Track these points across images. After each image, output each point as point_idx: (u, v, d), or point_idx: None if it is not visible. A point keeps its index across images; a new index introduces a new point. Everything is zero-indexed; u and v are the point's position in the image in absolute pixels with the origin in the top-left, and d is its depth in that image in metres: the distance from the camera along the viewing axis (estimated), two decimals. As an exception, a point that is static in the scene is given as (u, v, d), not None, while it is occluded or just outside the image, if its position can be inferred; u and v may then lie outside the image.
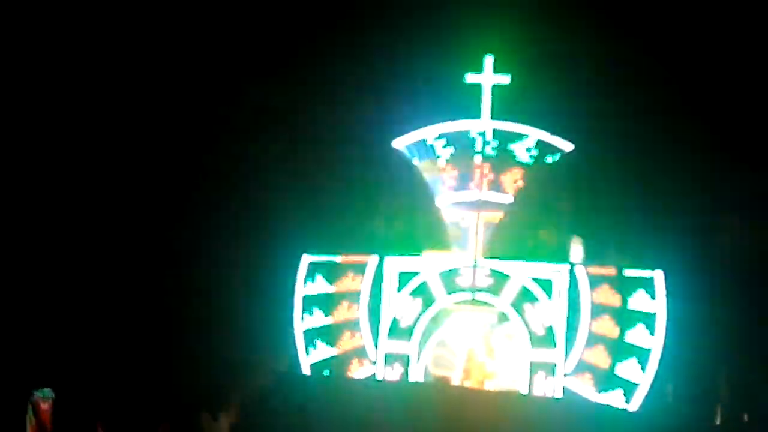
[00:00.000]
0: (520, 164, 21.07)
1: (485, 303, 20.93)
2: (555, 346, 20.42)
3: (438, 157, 21.37)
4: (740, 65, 20.83)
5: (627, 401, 20.03)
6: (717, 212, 20.81)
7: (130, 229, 21.71)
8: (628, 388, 20.12)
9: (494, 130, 21.20)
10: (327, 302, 21.38)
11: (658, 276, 20.36)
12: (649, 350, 20.17)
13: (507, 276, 20.77)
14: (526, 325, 20.57)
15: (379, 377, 20.71)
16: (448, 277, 20.96)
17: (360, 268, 21.27)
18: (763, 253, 20.49)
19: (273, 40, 22.21)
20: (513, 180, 21.07)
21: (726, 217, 20.58)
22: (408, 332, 20.93)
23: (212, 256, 21.59)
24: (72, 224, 21.66)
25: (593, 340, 20.40)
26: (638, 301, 20.39)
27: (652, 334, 20.20)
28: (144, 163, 22.00)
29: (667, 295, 20.24)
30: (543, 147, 21.03)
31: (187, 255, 21.63)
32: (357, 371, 20.93)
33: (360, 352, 21.07)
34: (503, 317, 21.02)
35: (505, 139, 21.16)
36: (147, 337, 21.06)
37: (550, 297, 20.60)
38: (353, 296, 21.23)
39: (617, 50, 20.77)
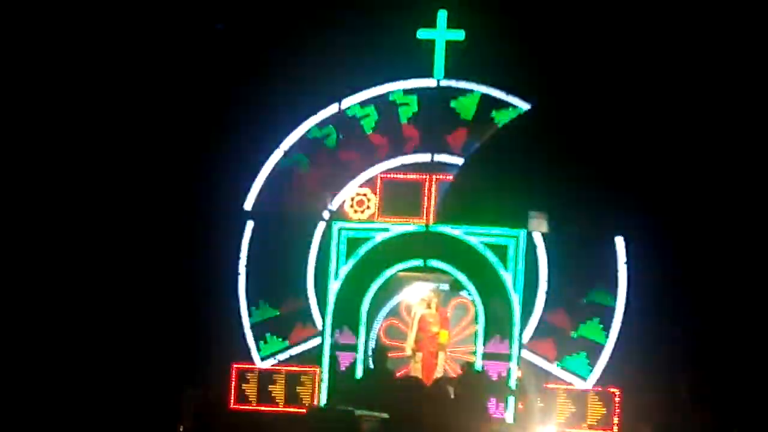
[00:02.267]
0: (475, 125, 20.12)
1: (438, 270, 20.03)
2: (512, 315, 19.53)
3: (388, 117, 20.41)
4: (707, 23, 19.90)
5: (586, 369, 19.35)
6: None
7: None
8: (588, 353, 19.40)
9: (447, 88, 20.26)
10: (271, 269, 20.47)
11: (619, 242, 19.47)
12: (610, 316, 19.42)
13: (461, 241, 19.83)
14: (481, 293, 19.69)
15: (326, 345, 19.92)
16: (399, 243, 20.07)
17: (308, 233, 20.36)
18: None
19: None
20: (466, 141, 20.12)
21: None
22: (357, 302, 20.08)
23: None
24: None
25: (551, 306, 19.63)
26: (598, 266, 19.56)
27: (613, 301, 19.45)
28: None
29: (627, 261, 19.41)
30: (498, 107, 20.11)
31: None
32: (303, 341, 20.12)
33: (305, 317, 20.26)
34: (457, 284, 20.23)
35: (459, 98, 20.24)
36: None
37: (506, 263, 19.68)
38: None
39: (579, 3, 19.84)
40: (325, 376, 19.84)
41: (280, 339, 20.27)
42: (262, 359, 20.21)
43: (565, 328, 19.54)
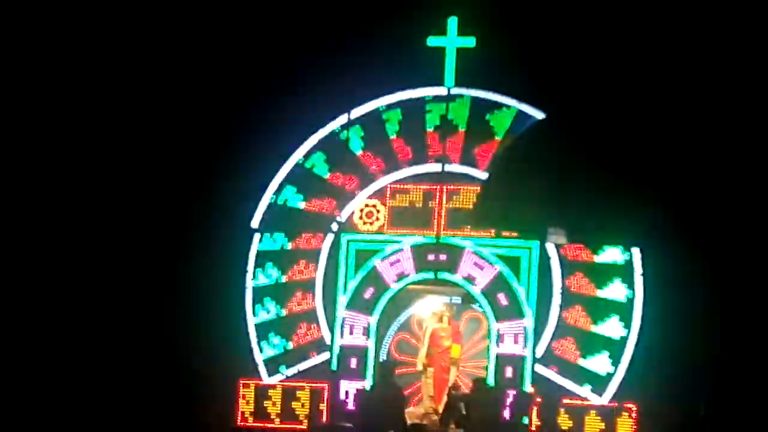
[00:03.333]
0: (487, 134, 19.61)
1: (449, 282, 19.48)
2: (525, 329, 18.97)
3: (399, 126, 19.91)
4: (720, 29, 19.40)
5: (600, 387, 18.72)
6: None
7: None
8: (602, 375, 18.79)
9: (458, 97, 19.75)
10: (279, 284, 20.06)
11: (636, 254, 18.84)
12: (625, 337, 18.79)
13: (474, 253, 19.32)
14: (494, 306, 19.09)
15: (334, 366, 19.39)
16: (410, 254, 19.52)
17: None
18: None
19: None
20: (478, 150, 19.60)
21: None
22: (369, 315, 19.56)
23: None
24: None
25: (565, 322, 19.04)
26: (614, 282, 18.97)
27: (628, 319, 18.82)
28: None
29: (644, 275, 18.81)
30: (511, 115, 19.57)
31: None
32: (313, 360, 19.62)
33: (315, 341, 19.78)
34: (469, 297, 19.65)
35: (470, 107, 19.74)
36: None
37: (519, 275, 19.15)
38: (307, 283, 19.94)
39: (591, 9, 19.42)
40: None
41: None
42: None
43: (581, 335, 18.99)
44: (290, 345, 19.73)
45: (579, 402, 18.52)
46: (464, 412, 17.46)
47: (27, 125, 20.97)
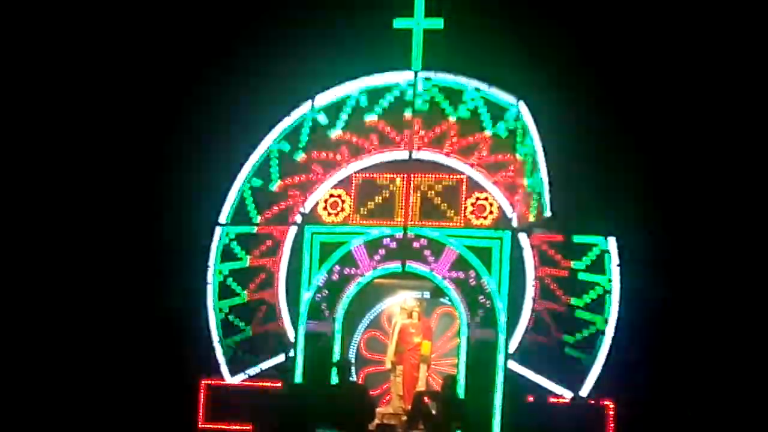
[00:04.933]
0: (456, 119, 18.78)
1: (418, 275, 18.59)
2: (497, 322, 18.10)
3: (364, 113, 19.07)
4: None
5: (577, 382, 17.85)
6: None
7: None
8: (579, 367, 17.93)
9: (425, 81, 18.89)
10: (242, 278, 19.23)
11: (612, 243, 18.00)
12: (602, 327, 17.92)
13: (442, 244, 18.39)
14: (464, 299, 18.23)
15: (299, 360, 18.52)
16: (376, 246, 18.65)
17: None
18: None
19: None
20: (447, 137, 18.75)
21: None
22: (331, 311, 18.72)
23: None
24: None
25: (539, 314, 18.17)
26: (589, 271, 18.14)
27: (605, 307, 17.97)
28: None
29: (620, 264, 17.95)
30: (481, 100, 18.75)
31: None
32: (274, 354, 18.79)
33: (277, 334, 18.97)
34: (438, 291, 18.78)
35: (438, 91, 18.90)
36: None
37: (490, 267, 18.26)
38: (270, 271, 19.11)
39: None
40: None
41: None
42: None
43: (554, 337, 18.11)
44: (251, 340, 19.02)
45: (554, 399, 17.67)
46: (434, 412, 16.63)
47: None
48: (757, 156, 19.01)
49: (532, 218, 18.18)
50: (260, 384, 18.47)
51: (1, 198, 20.72)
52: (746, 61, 18.86)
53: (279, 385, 17.71)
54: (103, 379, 19.87)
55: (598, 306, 18.04)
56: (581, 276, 18.14)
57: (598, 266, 18.11)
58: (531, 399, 17.62)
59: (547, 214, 17.83)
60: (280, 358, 18.68)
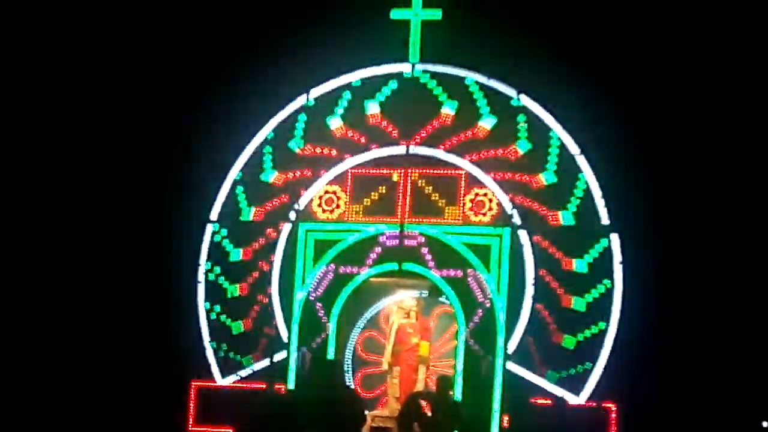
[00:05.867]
0: (455, 113, 18.55)
1: (415, 273, 18.33)
2: (497, 321, 17.81)
3: (360, 106, 18.91)
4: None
5: (577, 386, 17.55)
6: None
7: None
8: (579, 369, 17.63)
9: (424, 73, 18.71)
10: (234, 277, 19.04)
11: (615, 240, 17.68)
12: (604, 327, 17.57)
13: (439, 241, 18.11)
14: (462, 298, 17.91)
15: (292, 362, 18.28)
16: (372, 243, 18.41)
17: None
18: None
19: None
20: (446, 131, 18.51)
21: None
22: (327, 311, 18.50)
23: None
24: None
25: (539, 315, 17.85)
26: (591, 269, 17.80)
27: (607, 307, 17.61)
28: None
29: (623, 263, 17.63)
30: (481, 93, 18.53)
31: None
32: (271, 356, 18.54)
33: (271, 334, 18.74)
34: (436, 290, 18.55)
35: (437, 84, 18.70)
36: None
37: (488, 265, 17.97)
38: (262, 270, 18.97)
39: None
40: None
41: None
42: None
43: (555, 338, 17.80)
44: (244, 340, 18.81)
45: (553, 402, 17.29)
46: (429, 414, 16.22)
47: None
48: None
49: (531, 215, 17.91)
50: (247, 386, 18.20)
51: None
52: (744, 59, 18.60)
53: (264, 387, 17.42)
54: (93, 380, 19.72)
55: (601, 306, 17.65)
56: (582, 275, 17.81)
57: (601, 265, 17.74)
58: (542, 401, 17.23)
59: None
60: (275, 358, 18.38)
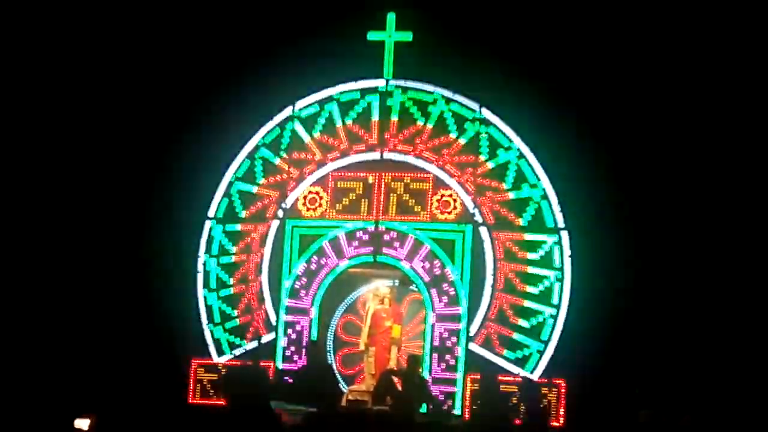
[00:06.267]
0: (423, 123, 20.63)
1: (388, 264, 20.43)
2: (459, 308, 19.91)
3: (340, 117, 20.96)
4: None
5: (532, 362, 19.70)
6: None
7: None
8: (533, 349, 19.74)
9: (396, 88, 20.83)
10: (228, 267, 21.14)
11: (564, 237, 19.85)
12: (555, 313, 19.73)
13: (409, 236, 20.30)
14: (430, 287, 20.07)
15: (281, 344, 20.33)
16: (350, 238, 20.51)
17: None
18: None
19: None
20: (416, 139, 20.60)
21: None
22: (310, 297, 20.54)
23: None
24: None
25: (498, 302, 19.95)
26: (543, 262, 19.93)
27: (558, 295, 19.78)
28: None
29: (572, 256, 19.77)
30: (446, 106, 20.59)
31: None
32: (259, 338, 20.52)
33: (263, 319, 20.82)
34: (406, 279, 20.58)
35: (408, 98, 20.77)
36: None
37: (453, 258, 20.08)
38: (254, 261, 21.03)
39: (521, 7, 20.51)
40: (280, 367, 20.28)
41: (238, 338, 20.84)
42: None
43: (511, 321, 19.85)
44: (238, 323, 20.80)
45: (511, 378, 19.23)
46: (400, 388, 18.17)
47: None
48: (707, 150, 20.19)
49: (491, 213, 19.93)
50: (231, 363, 20.23)
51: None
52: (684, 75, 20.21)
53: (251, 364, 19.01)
54: (106, 360, 21.15)
55: (552, 294, 19.76)
56: (536, 267, 19.91)
57: (551, 258, 19.87)
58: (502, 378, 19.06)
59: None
60: (266, 338, 20.35)
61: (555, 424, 18.92)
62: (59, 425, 17.21)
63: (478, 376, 19.10)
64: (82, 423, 16.90)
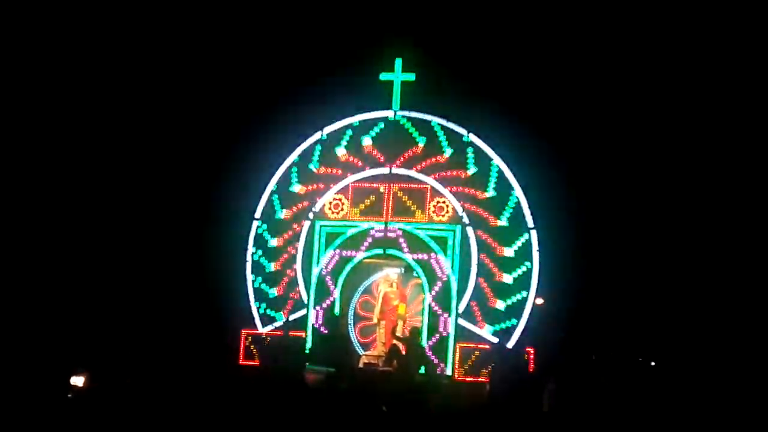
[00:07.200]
0: (424, 145, 25.03)
1: (395, 256, 24.66)
2: (451, 290, 24.18)
3: (358, 139, 25.47)
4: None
5: (508, 334, 23.81)
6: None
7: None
8: (508, 324, 24.16)
9: (402, 117, 25.29)
10: (270, 257, 25.76)
11: (533, 235, 24.43)
12: (526, 295, 24.17)
13: (412, 234, 24.63)
14: (427, 274, 24.33)
15: (311, 318, 24.87)
16: (365, 235, 24.77)
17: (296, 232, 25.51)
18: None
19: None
20: (418, 158, 24.95)
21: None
22: (334, 281, 24.90)
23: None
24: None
25: (480, 286, 24.28)
26: (517, 254, 24.30)
27: (528, 284, 24.11)
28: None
29: (540, 250, 24.26)
30: (441, 131, 25.01)
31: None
32: (294, 315, 24.89)
33: (296, 299, 25.23)
34: (410, 268, 24.83)
35: (411, 124, 25.18)
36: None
37: (446, 251, 24.41)
38: (290, 252, 25.58)
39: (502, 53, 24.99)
40: (309, 338, 24.91)
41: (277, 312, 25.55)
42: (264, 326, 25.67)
43: (491, 302, 24.34)
44: (277, 301, 25.44)
45: (489, 346, 23.49)
46: (403, 352, 21.67)
47: (51, 126, 26.33)
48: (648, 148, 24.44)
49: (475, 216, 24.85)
50: (272, 333, 24.52)
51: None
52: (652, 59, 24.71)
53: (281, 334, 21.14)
54: (174, 332, 25.70)
55: (523, 280, 24.27)
56: (511, 258, 24.43)
57: (524, 251, 24.48)
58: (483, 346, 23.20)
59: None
60: (298, 314, 24.98)
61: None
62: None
63: (488, 347, 22.98)
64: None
